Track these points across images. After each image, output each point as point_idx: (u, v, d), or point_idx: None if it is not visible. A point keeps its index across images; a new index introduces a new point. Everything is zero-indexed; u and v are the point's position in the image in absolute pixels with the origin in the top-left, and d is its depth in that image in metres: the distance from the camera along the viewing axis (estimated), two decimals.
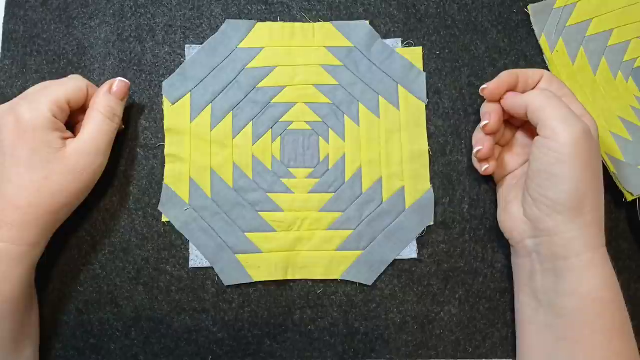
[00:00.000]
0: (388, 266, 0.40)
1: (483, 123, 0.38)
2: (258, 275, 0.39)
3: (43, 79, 0.40)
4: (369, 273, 0.40)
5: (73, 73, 0.40)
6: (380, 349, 0.39)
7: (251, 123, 0.41)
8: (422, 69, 0.42)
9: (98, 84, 0.39)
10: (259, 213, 0.40)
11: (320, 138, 0.41)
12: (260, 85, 0.42)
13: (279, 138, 0.41)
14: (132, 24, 0.43)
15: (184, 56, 0.42)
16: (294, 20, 0.43)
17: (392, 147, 0.41)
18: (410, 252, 0.40)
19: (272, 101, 0.41)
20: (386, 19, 0.43)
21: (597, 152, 0.34)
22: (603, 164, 0.38)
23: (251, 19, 0.43)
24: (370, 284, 0.40)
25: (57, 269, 0.39)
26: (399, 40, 0.43)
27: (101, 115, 0.36)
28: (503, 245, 0.40)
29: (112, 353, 0.39)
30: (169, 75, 0.42)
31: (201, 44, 0.42)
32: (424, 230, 0.40)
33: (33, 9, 0.43)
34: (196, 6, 0.43)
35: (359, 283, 0.40)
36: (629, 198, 0.39)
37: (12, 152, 0.34)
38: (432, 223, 0.40)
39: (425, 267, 0.40)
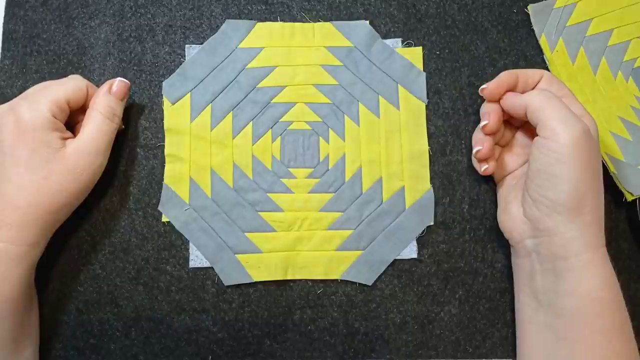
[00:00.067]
0: (388, 266, 0.40)
1: (482, 123, 0.38)
2: (258, 275, 0.39)
3: (43, 79, 0.40)
4: (369, 273, 0.40)
5: (73, 73, 0.40)
6: (380, 349, 0.39)
7: (251, 123, 0.41)
8: (422, 69, 0.42)
9: (98, 84, 0.39)
10: (259, 213, 0.40)
11: (320, 138, 0.41)
12: (260, 85, 0.42)
13: (279, 138, 0.41)
14: (132, 24, 0.43)
15: (184, 56, 0.42)
16: (294, 20, 0.43)
17: (392, 147, 0.41)
18: (410, 252, 0.40)
19: (272, 101, 0.41)
20: (386, 19, 0.43)
21: (596, 152, 0.34)
22: (603, 164, 0.38)
23: (251, 19, 0.43)
24: (370, 284, 0.40)
25: (57, 269, 0.39)
26: (399, 40, 0.43)
27: (101, 115, 0.36)
28: (503, 245, 0.40)
29: (112, 353, 0.39)
30: (169, 75, 0.42)
31: (201, 44, 0.42)
32: (424, 230, 0.40)
33: (33, 9, 0.43)
34: (196, 6, 0.43)
35: (359, 283, 0.40)
36: (629, 198, 0.39)
37: (11, 152, 0.34)
38: (432, 223, 0.40)
39: (425, 267, 0.40)
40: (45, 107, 0.34)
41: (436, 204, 0.41)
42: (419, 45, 0.43)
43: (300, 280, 0.40)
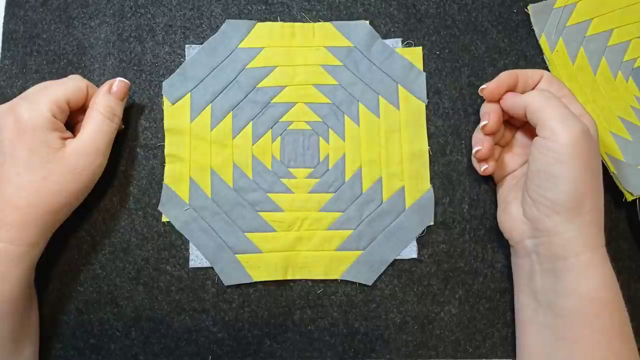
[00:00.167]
0: (388, 266, 0.40)
1: (482, 123, 0.38)
2: (258, 275, 0.39)
3: (43, 79, 0.40)
4: (369, 273, 0.40)
5: (73, 73, 0.40)
6: (380, 349, 0.39)
7: (251, 123, 0.41)
8: (422, 69, 0.42)
9: (98, 84, 0.39)
10: (259, 213, 0.40)
11: (320, 138, 0.41)
12: (260, 85, 0.42)
13: (279, 138, 0.41)
14: (132, 24, 0.43)
15: (184, 56, 0.42)
16: (294, 20, 0.43)
17: (392, 147, 0.41)
18: (410, 252, 0.40)
19: (272, 101, 0.41)
20: (386, 19, 0.43)
21: (596, 152, 0.34)
22: (603, 164, 0.38)
23: (251, 19, 0.43)
24: (370, 284, 0.40)
25: (57, 269, 0.39)
26: (399, 40, 0.43)
27: (101, 115, 0.36)
28: (503, 245, 0.40)
29: (112, 353, 0.39)
30: (169, 75, 0.42)
31: (201, 44, 0.42)
32: (424, 230, 0.40)
33: (33, 9, 0.43)
34: (196, 6, 0.43)
35: (359, 283, 0.40)
36: (629, 198, 0.39)
37: (11, 152, 0.34)
38: (432, 223, 0.40)
39: (425, 267, 0.40)
40: (45, 107, 0.34)
41: (436, 204, 0.41)
42: (419, 45, 0.43)
43: (300, 280, 0.40)
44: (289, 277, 0.40)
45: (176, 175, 0.40)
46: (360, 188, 0.41)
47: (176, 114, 0.41)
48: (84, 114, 0.37)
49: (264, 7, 0.43)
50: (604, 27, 0.43)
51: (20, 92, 0.36)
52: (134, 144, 0.41)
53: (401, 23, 0.43)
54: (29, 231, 0.33)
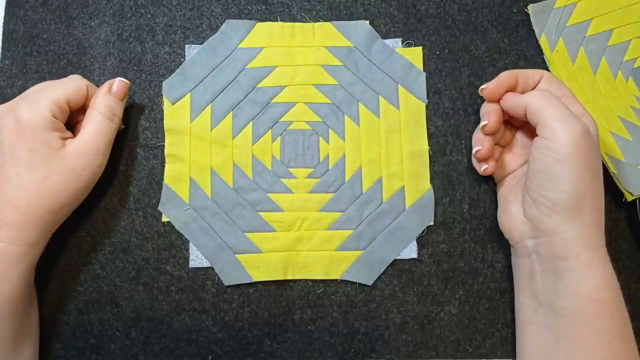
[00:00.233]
0: (388, 266, 0.40)
1: (482, 123, 0.38)
2: (258, 275, 0.39)
3: (43, 79, 0.40)
4: (369, 273, 0.40)
5: (73, 73, 0.40)
6: (380, 349, 0.39)
7: (251, 123, 0.41)
8: (422, 69, 0.42)
9: (98, 84, 0.39)
10: (259, 213, 0.40)
11: (320, 138, 0.41)
12: (260, 85, 0.42)
13: (279, 138, 0.41)
14: (132, 24, 0.43)
15: (184, 56, 0.42)
16: (294, 20, 0.43)
17: (392, 147, 0.41)
18: (410, 252, 0.40)
19: (272, 101, 0.41)
20: (386, 19, 0.43)
21: (596, 152, 0.34)
22: (603, 164, 0.38)
23: (251, 19, 0.43)
24: (370, 284, 0.40)
25: (57, 269, 0.39)
26: (399, 40, 0.43)
27: (101, 115, 0.36)
28: (503, 245, 0.40)
29: (112, 353, 0.39)
30: (169, 75, 0.42)
31: (201, 44, 0.42)
32: (424, 230, 0.40)
33: (33, 9, 0.43)
34: (196, 6, 0.43)
35: (359, 283, 0.40)
36: (629, 198, 0.39)
37: (11, 152, 0.34)
38: (432, 223, 0.40)
39: (425, 267, 0.40)
40: (45, 107, 0.34)
41: (436, 204, 0.41)
42: (419, 45, 0.43)
43: (300, 280, 0.40)
44: (289, 277, 0.40)
45: (176, 175, 0.40)
46: (360, 188, 0.41)
47: (176, 114, 0.41)
48: (84, 114, 0.37)
49: (264, 7, 0.43)
50: (604, 27, 0.43)
51: (20, 92, 0.36)
52: (134, 144, 0.41)
53: (401, 23, 0.43)
54: (29, 231, 0.33)
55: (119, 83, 0.38)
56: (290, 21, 0.43)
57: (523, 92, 0.37)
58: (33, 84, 0.37)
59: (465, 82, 0.43)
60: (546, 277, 0.34)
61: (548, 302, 0.34)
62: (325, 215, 0.40)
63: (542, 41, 0.43)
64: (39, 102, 0.35)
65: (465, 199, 0.41)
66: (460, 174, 0.41)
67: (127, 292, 0.39)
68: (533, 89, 0.37)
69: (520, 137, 0.40)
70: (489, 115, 0.37)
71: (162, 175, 0.41)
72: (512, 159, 0.39)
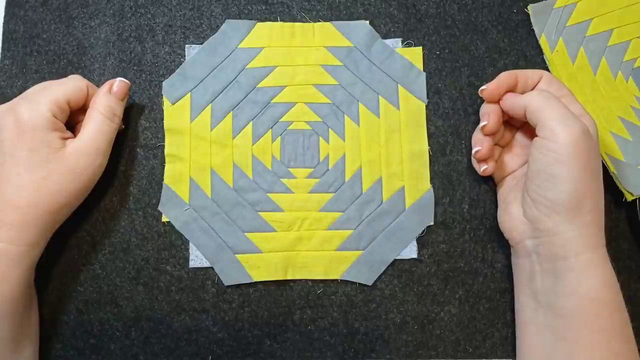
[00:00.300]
0: (388, 266, 0.40)
1: (482, 124, 0.38)
2: (258, 275, 0.39)
3: (43, 79, 0.40)
4: (369, 273, 0.40)
5: (73, 73, 0.40)
6: (380, 349, 0.39)
7: (251, 123, 0.41)
8: (422, 69, 0.42)
9: (98, 84, 0.39)
10: (259, 213, 0.40)
11: (320, 138, 0.41)
12: (260, 85, 0.42)
13: (279, 138, 0.41)
14: (132, 24, 0.43)
15: (184, 56, 0.42)
16: (294, 20, 0.43)
17: (392, 147, 0.41)
18: (410, 252, 0.40)
19: (272, 101, 0.41)
20: (386, 19, 0.43)
21: (596, 152, 0.34)
22: (603, 164, 0.38)
23: (251, 19, 0.43)
24: (370, 284, 0.40)
25: (57, 269, 0.39)
26: (399, 40, 0.43)
27: (101, 115, 0.36)
28: (503, 245, 0.40)
29: (112, 353, 0.39)
30: (169, 75, 0.42)
31: (201, 44, 0.42)
32: (424, 230, 0.40)
33: (33, 9, 0.43)
34: (196, 6, 0.43)
35: (359, 283, 0.40)
36: (629, 198, 0.39)
37: (11, 152, 0.34)
38: (432, 223, 0.40)
39: (425, 267, 0.40)
40: (45, 107, 0.34)
41: (436, 204, 0.41)
42: (419, 45, 0.43)
43: (300, 280, 0.40)
44: (289, 277, 0.40)
45: (176, 175, 0.40)
46: (360, 188, 0.41)
47: (176, 114, 0.41)
48: (84, 114, 0.37)
49: (264, 7, 0.43)
50: (604, 27, 0.43)
51: (20, 92, 0.36)
52: (134, 144, 0.41)
53: (401, 23, 0.43)
54: (29, 231, 0.33)
55: (119, 83, 0.38)
56: (290, 21, 0.43)
57: (523, 93, 0.37)
58: (33, 84, 0.37)
59: (465, 82, 0.43)
60: (546, 277, 0.34)
61: (548, 302, 0.34)
62: (325, 215, 0.40)
63: (542, 41, 0.43)
64: (39, 102, 0.35)
65: (465, 199, 0.41)
66: (460, 174, 0.41)
67: (127, 292, 0.39)
68: (533, 89, 0.37)
69: (519, 137, 0.40)
70: (489, 115, 0.37)
71: (162, 175, 0.41)
72: (511, 159, 0.39)
